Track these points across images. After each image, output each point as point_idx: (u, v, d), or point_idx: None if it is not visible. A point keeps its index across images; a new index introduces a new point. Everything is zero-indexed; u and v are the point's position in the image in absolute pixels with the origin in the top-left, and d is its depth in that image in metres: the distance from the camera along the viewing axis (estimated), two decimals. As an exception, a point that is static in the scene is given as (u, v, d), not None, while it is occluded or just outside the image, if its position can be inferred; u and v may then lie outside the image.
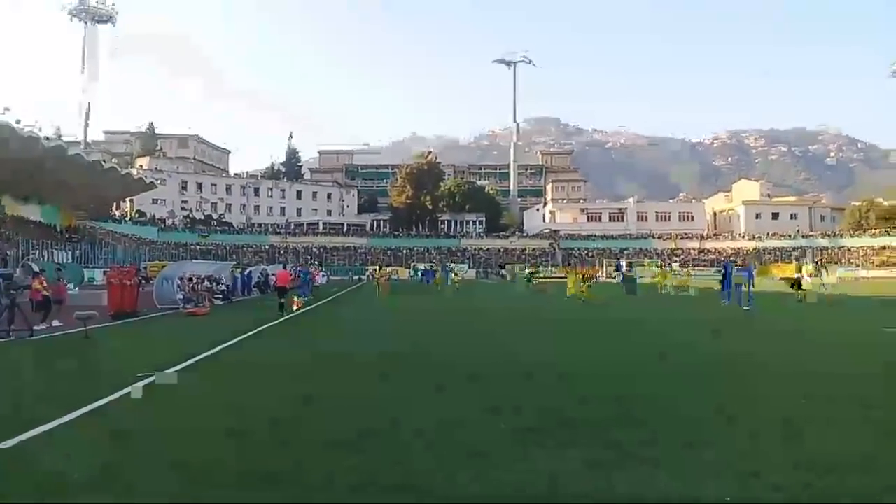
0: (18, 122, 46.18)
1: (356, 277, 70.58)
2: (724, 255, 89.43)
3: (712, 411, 8.09)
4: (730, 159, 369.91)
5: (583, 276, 36.33)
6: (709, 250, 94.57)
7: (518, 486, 5.34)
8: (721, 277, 29.68)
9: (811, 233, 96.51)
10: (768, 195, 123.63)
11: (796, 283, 28.93)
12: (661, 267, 54.42)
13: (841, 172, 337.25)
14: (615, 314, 24.76)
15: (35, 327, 17.14)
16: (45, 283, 19.79)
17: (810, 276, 34.34)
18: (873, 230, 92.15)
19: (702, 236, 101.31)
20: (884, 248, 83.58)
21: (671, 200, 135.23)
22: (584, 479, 5.48)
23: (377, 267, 68.11)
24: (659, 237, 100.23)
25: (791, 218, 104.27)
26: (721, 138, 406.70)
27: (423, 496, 5.16)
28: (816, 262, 32.80)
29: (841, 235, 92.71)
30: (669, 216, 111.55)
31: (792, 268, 75.32)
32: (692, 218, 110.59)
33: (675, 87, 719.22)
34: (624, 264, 75.65)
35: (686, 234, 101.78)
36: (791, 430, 7.09)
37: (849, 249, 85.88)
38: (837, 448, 6.40)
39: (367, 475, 5.58)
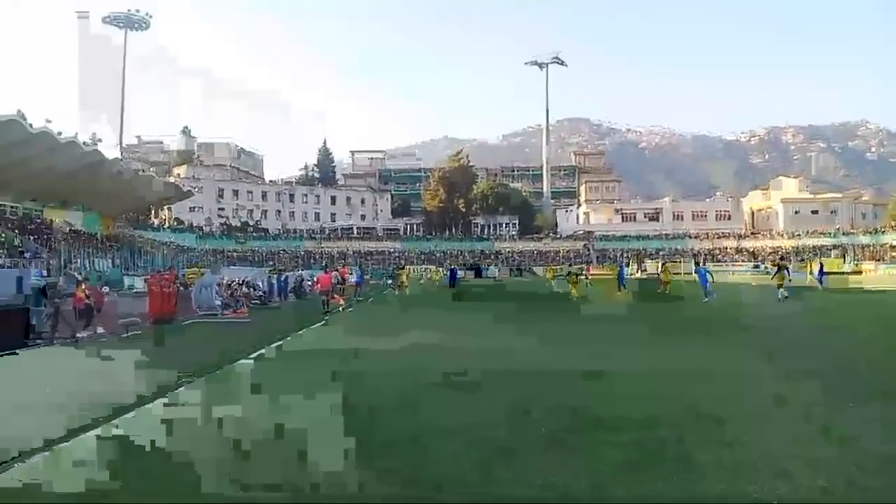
0: (60, 133, 47.37)
1: (388, 281, 70.90)
2: (763, 253, 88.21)
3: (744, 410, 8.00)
4: (767, 156, 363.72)
5: (568, 273, 39.26)
6: (747, 249, 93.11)
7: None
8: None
9: (851, 230, 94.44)
10: (807, 191, 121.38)
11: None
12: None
13: (882, 167, 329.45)
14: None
15: (78, 334, 17.56)
16: (87, 292, 20.19)
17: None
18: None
19: (740, 235, 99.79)
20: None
21: (707, 200, 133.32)
22: (620, 481, 5.42)
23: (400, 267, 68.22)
24: (695, 237, 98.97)
25: (831, 214, 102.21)
26: (758, 135, 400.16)
27: (462, 497, 5.16)
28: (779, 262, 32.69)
29: (883, 231, 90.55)
30: (706, 215, 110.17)
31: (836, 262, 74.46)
32: (729, 217, 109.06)
33: (709, 84, 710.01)
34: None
35: (723, 233, 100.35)
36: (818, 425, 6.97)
37: (892, 245, 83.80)
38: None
39: (406, 476, 5.61)
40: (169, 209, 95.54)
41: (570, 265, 67.98)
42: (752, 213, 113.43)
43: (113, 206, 65.14)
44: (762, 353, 12.67)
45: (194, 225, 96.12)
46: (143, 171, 62.52)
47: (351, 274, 48.12)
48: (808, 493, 5.12)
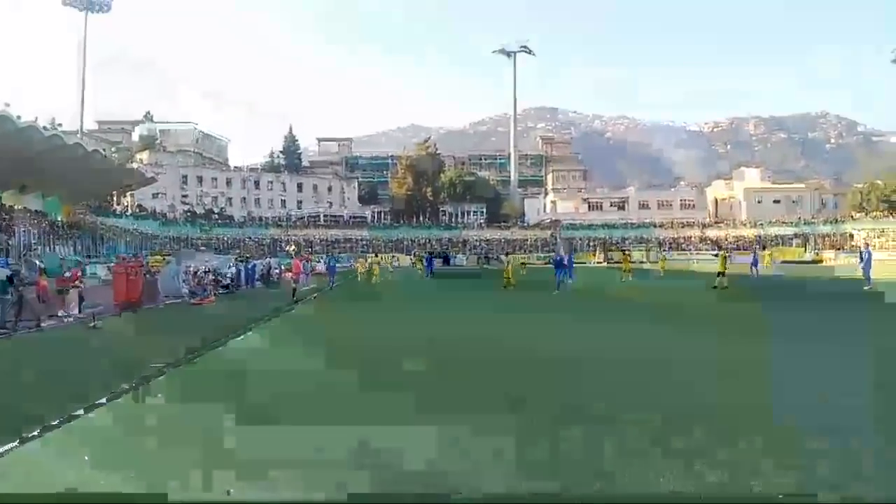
0: (19, 117, 46.12)
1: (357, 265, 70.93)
2: (726, 242, 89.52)
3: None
4: (729, 146, 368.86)
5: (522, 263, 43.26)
6: (710, 238, 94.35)
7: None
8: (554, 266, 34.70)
9: (812, 219, 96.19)
10: (769, 181, 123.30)
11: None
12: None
13: (841, 158, 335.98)
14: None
15: (43, 323, 17.15)
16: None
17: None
18: (875, 213, 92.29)
19: (704, 224, 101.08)
20: (883, 231, 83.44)
21: (672, 189, 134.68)
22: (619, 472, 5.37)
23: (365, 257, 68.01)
24: (660, 225, 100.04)
25: (793, 203, 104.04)
26: (721, 125, 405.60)
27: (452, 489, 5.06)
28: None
29: (843, 221, 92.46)
30: (671, 204, 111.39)
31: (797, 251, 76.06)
32: (694, 206, 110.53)
33: (673, 75, 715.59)
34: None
35: (688, 221, 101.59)
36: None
37: (851, 235, 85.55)
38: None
39: (390, 477, 5.47)
40: (131, 196, 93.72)
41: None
42: (716, 203, 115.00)
43: (74, 192, 63.60)
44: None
45: (158, 212, 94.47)
46: (105, 156, 61.07)
47: (319, 262, 47.89)
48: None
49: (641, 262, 43.50)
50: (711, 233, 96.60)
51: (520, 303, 24.04)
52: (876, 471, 5.31)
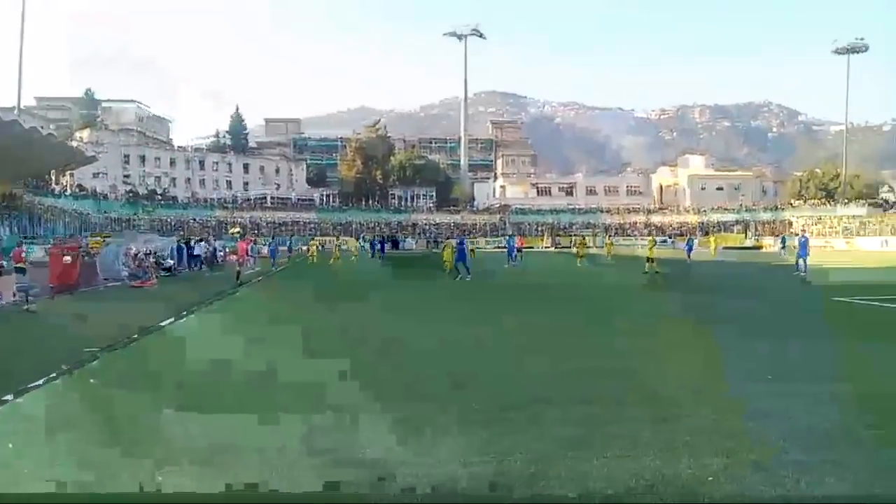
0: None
1: (304, 248, 70.29)
2: (670, 228, 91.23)
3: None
4: (675, 133, 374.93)
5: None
6: (655, 224, 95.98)
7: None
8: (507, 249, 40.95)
9: (754, 206, 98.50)
10: (713, 168, 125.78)
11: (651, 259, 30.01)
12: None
13: (783, 146, 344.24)
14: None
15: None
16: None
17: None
18: (813, 200, 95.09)
19: (649, 210, 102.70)
20: (820, 218, 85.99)
21: (619, 175, 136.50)
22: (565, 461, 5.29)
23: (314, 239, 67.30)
24: (607, 211, 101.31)
25: (735, 190, 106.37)
26: (668, 112, 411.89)
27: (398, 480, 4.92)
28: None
29: (783, 208, 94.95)
30: (618, 190, 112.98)
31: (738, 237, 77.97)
32: (640, 192, 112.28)
33: (621, 62, 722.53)
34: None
35: (634, 207, 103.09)
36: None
37: (790, 222, 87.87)
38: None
39: (339, 458, 5.39)
40: (71, 175, 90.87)
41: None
42: (661, 189, 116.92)
43: (8, 170, 61.40)
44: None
45: (98, 192, 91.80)
46: (43, 128, 59.07)
47: (264, 245, 47.22)
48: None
49: (588, 248, 44.12)
50: (656, 219, 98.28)
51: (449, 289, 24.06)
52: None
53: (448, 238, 63.35)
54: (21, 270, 19.61)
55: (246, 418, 6.34)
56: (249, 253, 34.62)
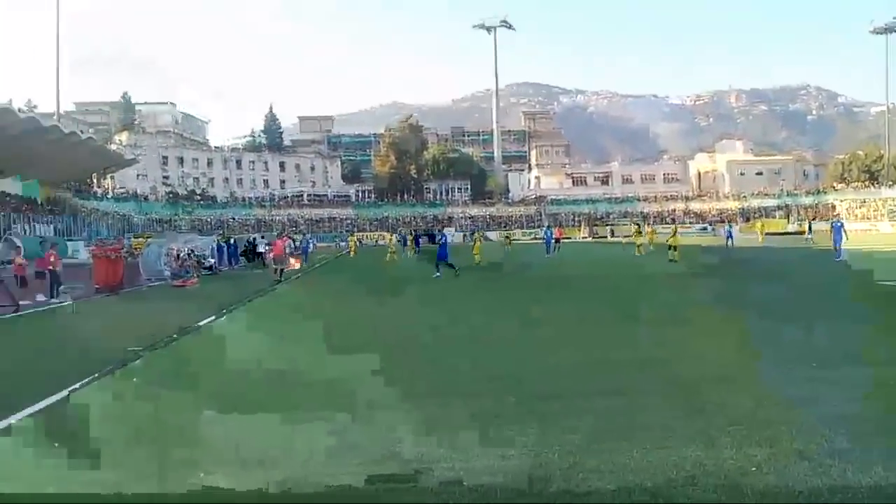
0: (-7, 98, 45.48)
1: (342, 244, 70.90)
2: (710, 215, 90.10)
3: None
4: (711, 119, 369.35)
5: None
6: (694, 211, 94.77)
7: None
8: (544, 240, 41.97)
9: (795, 191, 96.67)
10: (751, 153, 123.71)
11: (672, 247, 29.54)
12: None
13: (822, 129, 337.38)
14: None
15: (21, 302, 16.89)
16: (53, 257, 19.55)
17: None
18: (856, 183, 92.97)
19: (687, 197, 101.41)
20: (864, 201, 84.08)
21: (655, 163, 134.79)
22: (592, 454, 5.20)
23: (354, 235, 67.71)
24: (644, 199, 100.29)
25: (775, 175, 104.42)
26: (703, 98, 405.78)
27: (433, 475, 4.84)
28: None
29: (825, 191, 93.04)
30: (654, 178, 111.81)
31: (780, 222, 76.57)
32: (677, 179, 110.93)
33: (655, 48, 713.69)
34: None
35: (671, 195, 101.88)
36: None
37: (833, 206, 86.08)
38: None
39: (376, 451, 5.39)
40: (112, 177, 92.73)
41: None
42: (699, 176, 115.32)
43: (53, 174, 62.88)
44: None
45: (139, 193, 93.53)
46: (82, 132, 60.45)
47: (300, 242, 47.64)
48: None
49: (627, 236, 43.81)
50: (695, 206, 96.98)
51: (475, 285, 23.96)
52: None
53: (478, 231, 63.13)
54: (42, 275, 19.88)
55: (283, 416, 6.36)
56: (288, 251, 35.03)
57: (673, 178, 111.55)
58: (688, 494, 4.39)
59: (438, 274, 23.79)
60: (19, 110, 48.69)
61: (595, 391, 7.02)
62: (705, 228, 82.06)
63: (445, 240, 26.09)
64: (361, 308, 16.39)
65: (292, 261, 28.20)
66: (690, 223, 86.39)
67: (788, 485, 4.51)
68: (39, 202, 59.32)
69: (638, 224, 51.49)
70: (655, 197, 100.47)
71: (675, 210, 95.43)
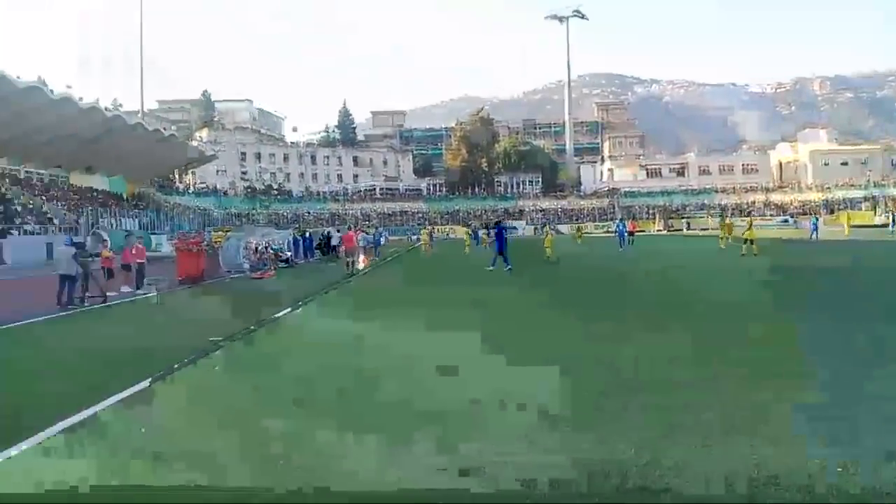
0: (81, 98, 47.57)
1: (414, 237, 71.49)
2: (791, 206, 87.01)
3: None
4: (793, 107, 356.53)
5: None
6: (775, 203, 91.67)
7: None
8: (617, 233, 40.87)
9: (882, 181, 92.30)
10: (836, 142, 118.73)
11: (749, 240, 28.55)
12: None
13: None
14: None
15: (108, 293, 17.64)
16: (136, 249, 20.47)
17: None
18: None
19: (767, 188, 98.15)
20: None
21: (734, 153, 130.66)
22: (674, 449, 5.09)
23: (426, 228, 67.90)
24: (722, 191, 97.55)
25: (862, 165, 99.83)
26: (784, 85, 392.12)
27: (498, 470, 4.80)
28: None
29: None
30: (733, 169, 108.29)
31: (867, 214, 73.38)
32: (757, 170, 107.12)
33: (732, 35, 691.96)
34: None
35: (751, 186, 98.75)
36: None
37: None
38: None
39: (448, 445, 5.35)
40: (193, 173, 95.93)
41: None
42: (780, 166, 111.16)
43: (137, 170, 65.50)
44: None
45: (218, 188, 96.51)
46: (165, 134, 62.68)
47: (371, 235, 48.16)
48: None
49: (704, 229, 42.61)
50: (776, 197, 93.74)
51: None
52: None
53: (548, 224, 62.36)
54: (127, 267, 20.64)
55: (358, 408, 6.46)
56: (362, 243, 35.50)
57: (752, 169, 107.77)
58: (769, 494, 4.28)
59: (510, 266, 23.72)
60: (105, 109, 50.75)
61: (675, 386, 6.88)
62: (786, 221, 79.33)
63: (504, 232, 25.90)
64: (423, 301, 16.43)
65: (362, 257, 28.41)
66: (771, 215, 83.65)
67: (876, 487, 4.35)
68: (125, 198, 61.81)
69: (722, 216, 49.71)
70: (734, 188, 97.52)
71: (754, 202, 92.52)
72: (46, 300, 15.83)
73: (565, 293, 17.60)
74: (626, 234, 41.30)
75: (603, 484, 4.47)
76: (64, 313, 15.05)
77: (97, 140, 51.68)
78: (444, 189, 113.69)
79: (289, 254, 33.36)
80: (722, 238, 35.54)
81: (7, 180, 49.48)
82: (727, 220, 44.28)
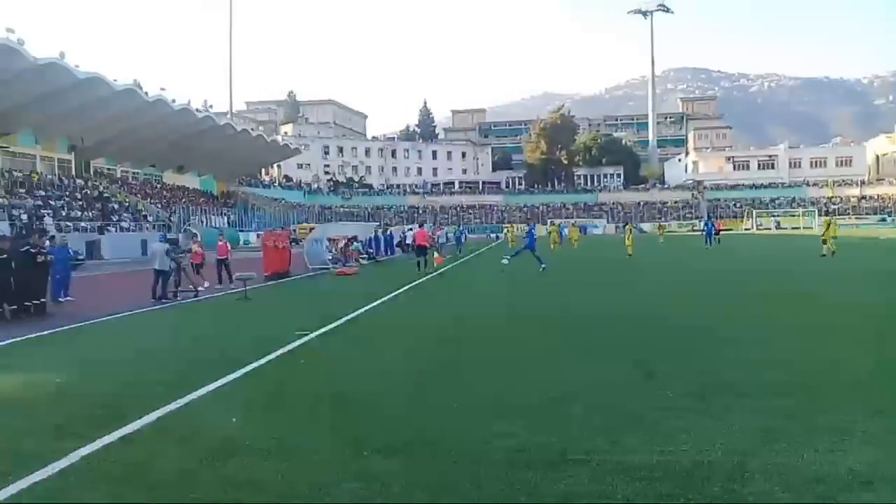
0: (174, 100, 49.33)
1: (494, 236, 71.12)
2: (890, 202, 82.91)
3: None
4: (891, 98, 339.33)
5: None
6: (871, 196, 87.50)
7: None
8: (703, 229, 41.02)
9: None
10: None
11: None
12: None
13: None
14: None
15: (199, 288, 18.36)
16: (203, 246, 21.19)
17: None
18: None
19: (863, 182, 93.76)
20: None
21: (827, 145, 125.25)
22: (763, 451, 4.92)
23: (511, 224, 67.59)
24: (814, 185, 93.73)
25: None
26: (881, 77, 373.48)
27: (591, 466, 4.73)
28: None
29: None
30: (825, 162, 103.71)
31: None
32: (851, 163, 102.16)
33: (822, 27, 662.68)
34: None
35: (844, 180, 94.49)
36: None
37: None
38: None
39: (524, 442, 5.28)
40: (278, 166, 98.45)
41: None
42: (877, 159, 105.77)
43: (226, 169, 67.69)
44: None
45: (302, 182, 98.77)
46: (252, 130, 64.60)
47: (450, 232, 48.03)
48: None
49: (795, 228, 40.67)
50: (871, 191, 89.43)
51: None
52: None
53: (630, 222, 60.92)
54: (220, 263, 21.47)
55: (438, 404, 6.48)
56: (441, 240, 35.69)
57: (846, 162, 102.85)
58: (862, 498, 4.06)
59: (545, 265, 23.76)
60: (196, 110, 52.50)
61: (765, 389, 6.64)
62: (884, 220, 75.37)
63: (533, 232, 27.57)
64: (503, 298, 16.35)
65: (436, 255, 28.19)
66: (866, 214, 79.78)
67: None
68: (215, 195, 64.03)
69: (832, 217, 46.25)
70: (827, 182, 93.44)
71: (848, 197, 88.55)
72: (142, 294, 16.61)
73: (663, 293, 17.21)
74: (713, 231, 41.44)
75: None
76: (158, 306, 15.73)
77: (188, 140, 53.62)
78: (522, 183, 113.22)
79: (371, 250, 33.90)
80: (826, 240, 31.77)
81: (105, 179, 51.82)
82: (832, 221, 39.42)
